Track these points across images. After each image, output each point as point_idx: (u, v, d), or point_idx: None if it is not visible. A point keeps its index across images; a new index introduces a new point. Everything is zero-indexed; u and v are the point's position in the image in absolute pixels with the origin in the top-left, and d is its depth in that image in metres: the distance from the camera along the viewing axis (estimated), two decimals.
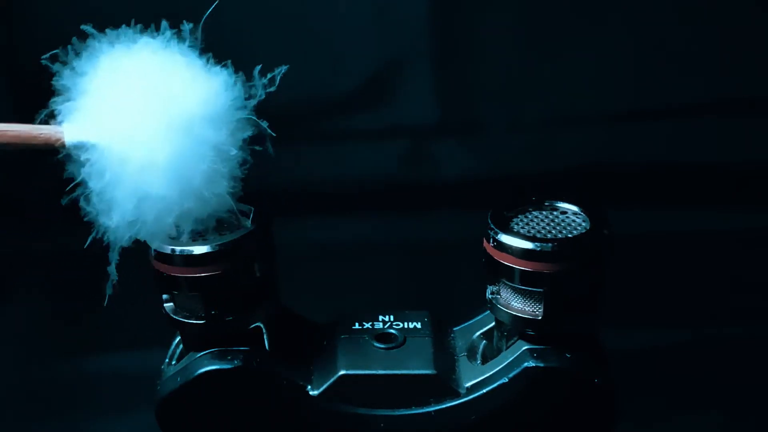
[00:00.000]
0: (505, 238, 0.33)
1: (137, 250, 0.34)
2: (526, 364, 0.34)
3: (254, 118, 0.33)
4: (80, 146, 0.31)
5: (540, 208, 0.36)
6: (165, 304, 0.36)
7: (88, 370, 0.49)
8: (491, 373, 0.36)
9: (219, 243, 0.34)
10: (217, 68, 0.32)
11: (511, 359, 0.35)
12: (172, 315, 0.36)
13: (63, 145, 0.31)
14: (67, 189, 0.31)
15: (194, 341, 0.36)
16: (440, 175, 0.67)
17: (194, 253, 0.33)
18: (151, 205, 0.31)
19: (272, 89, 0.32)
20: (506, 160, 0.66)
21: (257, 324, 0.36)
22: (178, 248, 0.34)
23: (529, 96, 0.67)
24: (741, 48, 0.64)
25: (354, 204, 0.65)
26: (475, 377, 0.36)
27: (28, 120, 0.31)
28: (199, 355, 0.36)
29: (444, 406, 0.36)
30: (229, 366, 0.35)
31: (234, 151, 0.32)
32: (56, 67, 0.31)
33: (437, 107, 0.67)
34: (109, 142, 0.31)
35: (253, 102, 0.32)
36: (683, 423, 0.44)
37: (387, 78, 0.66)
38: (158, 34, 0.32)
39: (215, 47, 0.33)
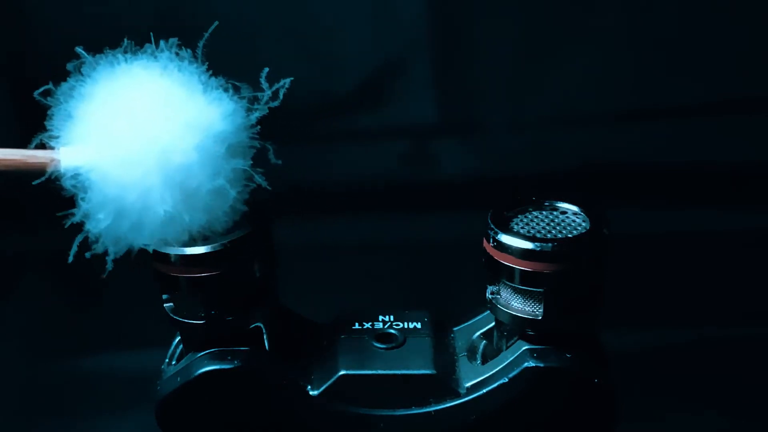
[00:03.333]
0: (505, 238, 0.33)
1: (137, 250, 0.34)
2: (526, 364, 0.34)
3: (257, 137, 0.32)
4: (77, 171, 0.31)
5: (540, 208, 0.36)
6: (165, 304, 0.36)
7: (88, 369, 0.49)
8: (491, 373, 0.36)
9: (219, 243, 0.34)
10: (216, 84, 0.32)
11: (511, 359, 0.35)
12: (172, 315, 0.36)
13: (59, 170, 0.31)
14: (63, 213, 0.31)
15: (194, 341, 0.36)
16: (440, 175, 0.67)
17: (194, 253, 0.33)
18: (152, 222, 0.31)
19: (276, 104, 0.32)
20: (506, 160, 0.66)
21: (257, 324, 0.36)
22: (177, 249, 0.34)
23: (529, 96, 0.66)
24: (741, 48, 0.64)
25: (354, 204, 0.65)
26: (475, 377, 0.36)
27: (30, 127, 0.31)
28: (199, 355, 0.36)
29: (444, 406, 0.36)
30: (229, 366, 0.35)
31: (239, 169, 0.32)
32: (53, 88, 0.31)
33: (437, 107, 0.67)
34: (106, 166, 0.30)
35: (256, 114, 0.32)
36: (683, 423, 0.44)
37: (387, 78, 0.66)
38: (158, 52, 0.32)
39: (213, 48, 0.33)
